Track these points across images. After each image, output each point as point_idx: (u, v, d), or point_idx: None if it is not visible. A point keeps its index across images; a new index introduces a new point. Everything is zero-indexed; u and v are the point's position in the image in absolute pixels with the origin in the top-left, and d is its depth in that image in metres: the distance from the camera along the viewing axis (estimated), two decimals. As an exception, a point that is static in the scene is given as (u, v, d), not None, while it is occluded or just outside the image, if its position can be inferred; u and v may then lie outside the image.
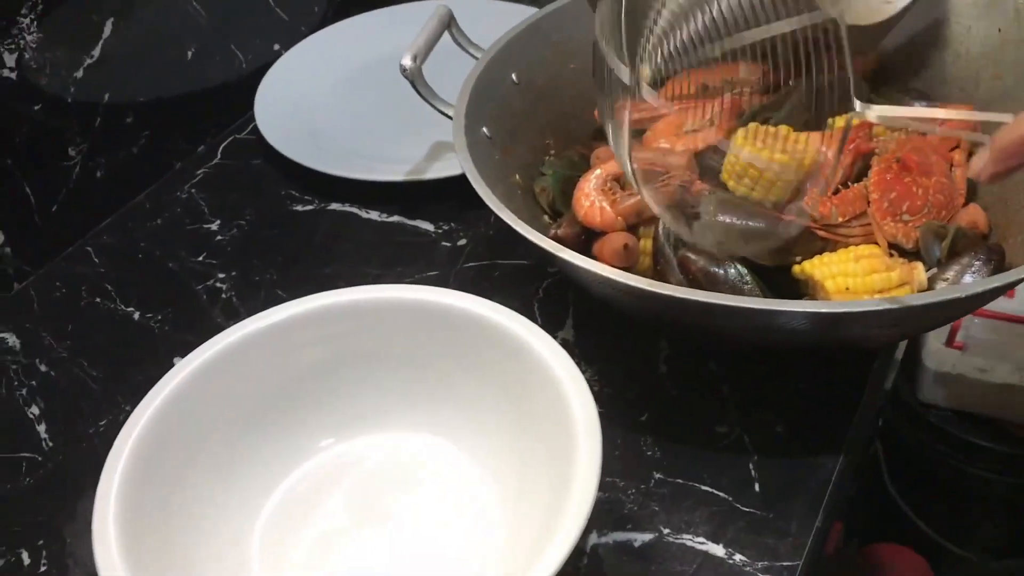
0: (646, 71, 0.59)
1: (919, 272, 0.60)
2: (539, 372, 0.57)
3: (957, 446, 1.27)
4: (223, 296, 0.77)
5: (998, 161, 0.47)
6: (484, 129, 0.72)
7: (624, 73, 0.57)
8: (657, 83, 0.61)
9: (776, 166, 0.62)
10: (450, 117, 0.71)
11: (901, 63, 0.78)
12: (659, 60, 0.58)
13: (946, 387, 1.26)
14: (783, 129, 0.63)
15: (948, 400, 1.27)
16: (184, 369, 0.58)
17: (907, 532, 1.29)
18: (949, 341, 1.21)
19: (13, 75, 0.74)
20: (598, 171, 0.69)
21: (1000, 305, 1.18)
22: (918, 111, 0.65)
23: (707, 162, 0.67)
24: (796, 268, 0.62)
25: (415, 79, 0.76)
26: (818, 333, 0.57)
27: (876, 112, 0.52)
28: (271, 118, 0.90)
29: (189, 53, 0.89)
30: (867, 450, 0.66)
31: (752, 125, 0.65)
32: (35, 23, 0.74)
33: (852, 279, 0.59)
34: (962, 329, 1.19)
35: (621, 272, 0.56)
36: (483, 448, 0.60)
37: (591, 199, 0.68)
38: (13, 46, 0.74)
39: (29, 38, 0.74)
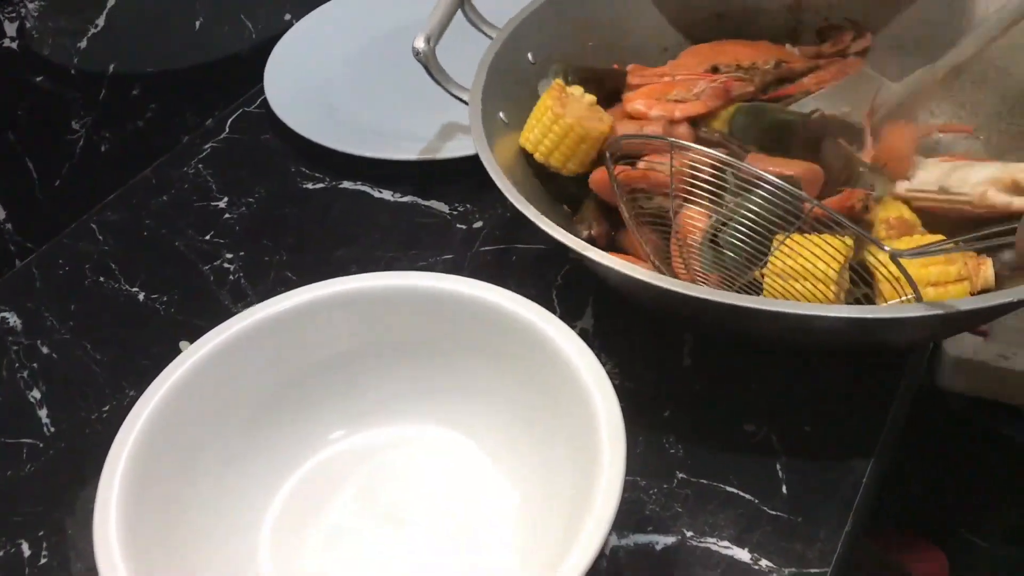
0: None
1: (986, 269, 0.57)
2: (559, 367, 0.55)
3: (975, 433, 1.26)
4: (231, 277, 0.74)
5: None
6: (501, 114, 0.69)
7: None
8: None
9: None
10: (466, 102, 0.68)
11: (928, 37, 0.75)
12: None
13: (966, 374, 1.24)
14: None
15: (967, 387, 1.25)
16: (192, 356, 0.56)
17: (922, 518, 1.28)
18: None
19: (15, 45, 0.72)
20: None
21: (1025, 292, 1.15)
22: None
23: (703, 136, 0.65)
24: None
25: (428, 63, 0.73)
26: (854, 336, 0.54)
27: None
28: (281, 92, 0.87)
29: (197, 22, 0.86)
30: (897, 451, 0.63)
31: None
32: (37, -10, 0.72)
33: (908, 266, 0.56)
34: (986, 316, 1.17)
35: (652, 274, 0.53)
36: (499, 443, 0.58)
37: None
38: (14, 14, 0.71)
39: (31, 6, 0.72)
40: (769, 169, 0.55)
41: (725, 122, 0.68)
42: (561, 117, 0.64)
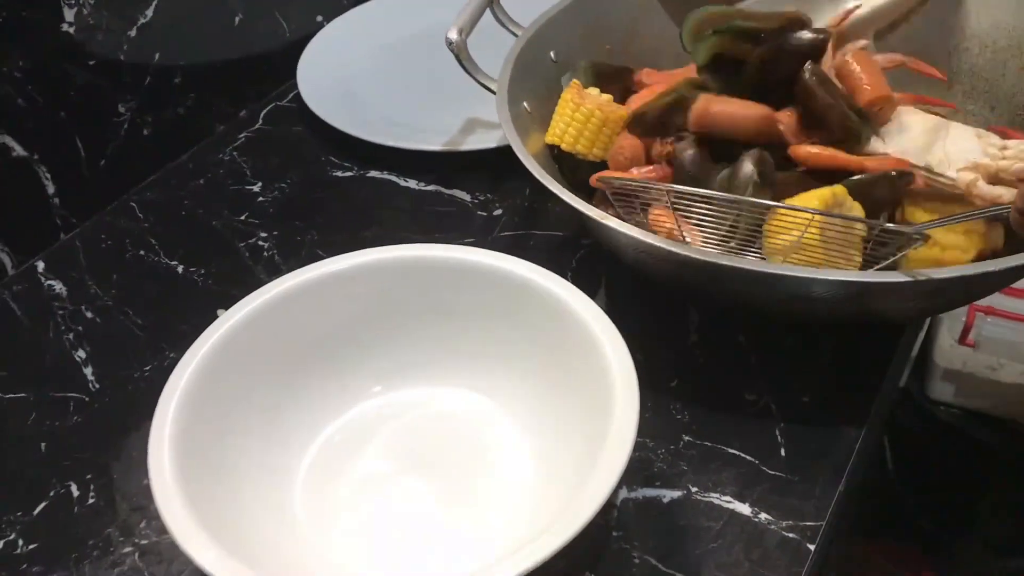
0: None
1: (997, 235, 0.62)
2: (578, 331, 0.59)
3: (964, 443, 1.29)
4: (265, 254, 0.79)
5: None
6: (525, 104, 0.74)
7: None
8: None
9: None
10: (493, 91, 0.73)
11: (924, 52, 0.80)
12: None
13: (956, 384, 1.28)
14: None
15: (957, 397, 1.29)
16: (235, 315, 0.60)
17: (910, 527, 1.31)
18: (961, 338, 1.23)
19: (71, 30, 0.76)
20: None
21: (1014, 304, 1.20)
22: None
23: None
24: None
25: (460, 53, 0.78)
26: (846, 302, 0.59)
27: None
28: (313, 86, 0.92)
29: (236, 19, 0.91)
30: (887, 421, 0.68)
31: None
32: (94, -20, 0.77)
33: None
34: (975, 327, 1.21)
35: (654, 236, 0.58)
36: (520, 404, 0.62)
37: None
38: (72, 2, 0.76)
39: (88, -5, 0.77)
40: (728, 112, 0.61)
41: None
42: (581, 105, 0.69)
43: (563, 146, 0.71)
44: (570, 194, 0.61)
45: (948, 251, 0.62)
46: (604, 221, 0.59)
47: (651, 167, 0.69)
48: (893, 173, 0.63)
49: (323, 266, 0.63)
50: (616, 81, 0.76)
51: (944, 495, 1.32)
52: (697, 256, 0.56)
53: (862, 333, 0.68)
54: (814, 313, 0.62)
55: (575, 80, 0.73)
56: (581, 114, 0.69)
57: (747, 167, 0.63)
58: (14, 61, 0.73)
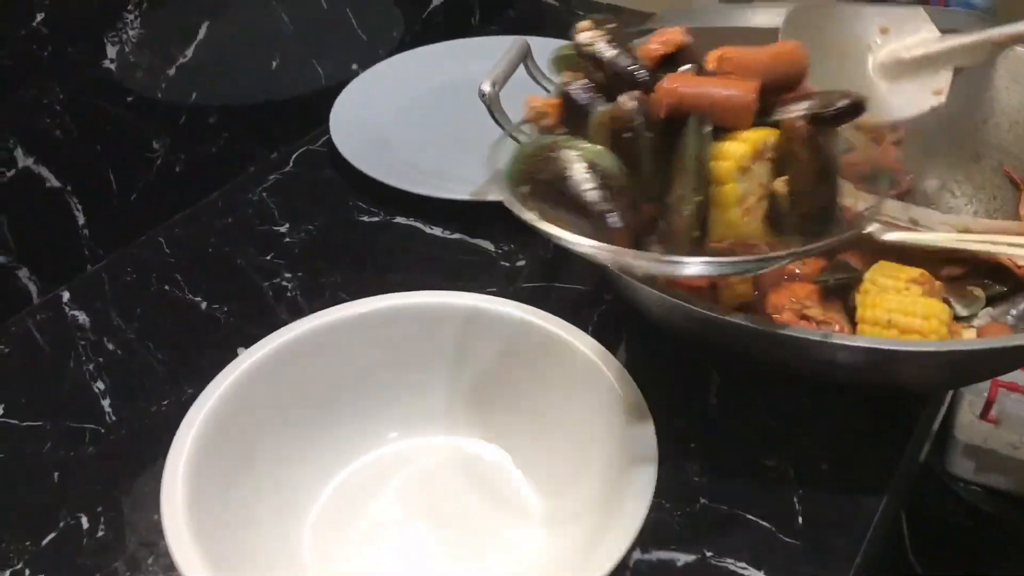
0: None
1: (970, 334, 0.62)
2: (598, 387, 0.59)
3: (984, 521, 1.27)
4: (288, 294, 0.79)
5: None
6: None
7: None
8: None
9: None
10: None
11: (952, 125, 0.81)
12: None
13: (976, 461, 1.27)
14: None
15: (977, 474, 1.27)
16: (255, 353, 0.60)
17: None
18: (983, 414, 1.21)
19: (113, 66, 0.78)
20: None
21: (1037, 382, 1.18)
22: (936, 237, 0.65)
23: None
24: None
25: (492, 105, 0.79)
26: (868, 370, 0.58)
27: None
28: (344, 132, 0.94)
29: (274, 63, 0.93)
30: (906, 496, 0.67)
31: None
32: (138, 19, 0.78)
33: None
34: (997, 403, 1.20)
35: (675, 292, 0.58)
36: (536, 457, 0.62)
37: None
38: (116, 39, 0.78)
39: (131, 33, 0.78)
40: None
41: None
42: None
43: None
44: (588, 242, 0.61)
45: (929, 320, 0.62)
46: (625, 276, 0.59)
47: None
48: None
49: (346, 309, 0.64)
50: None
51: (960, 571, 1.29)
52: (712, 314, 0.56)
53: (885, 404, 0.67)
54: (834, 377, 0.62)
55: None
56: None
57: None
58: (54, 94, 0.75)
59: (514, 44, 0.83)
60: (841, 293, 0.68)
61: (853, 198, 0.56)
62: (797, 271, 0.72)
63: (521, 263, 0.82)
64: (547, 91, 0.80)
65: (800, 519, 0.60)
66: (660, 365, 0.71)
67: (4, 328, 0.76)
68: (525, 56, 0.83)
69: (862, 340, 0.54)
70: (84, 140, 0.78)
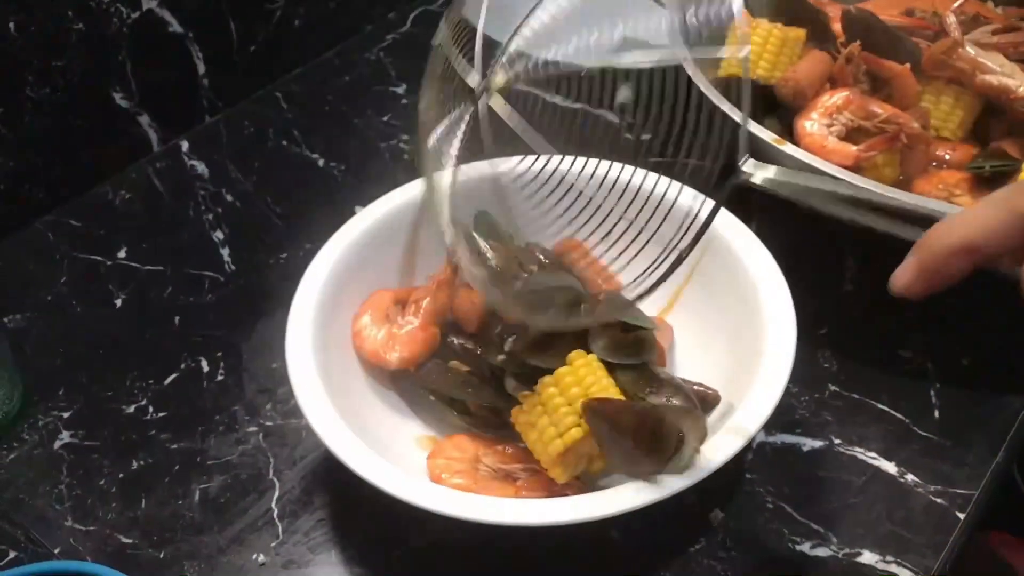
0: (500, 79, 0.55)
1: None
2: (732, 262, 0.57)
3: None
4: (405, 156, 0.77)
5: (924, 276, 0.38)
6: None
7: (472, 78, 0.53)
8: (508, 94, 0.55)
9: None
10: (662, 4, 0.70)
11: None
12: (518, 69, 0.54)
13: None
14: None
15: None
16: (376, 212, 0.60)
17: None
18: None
19: (236, -92, 0.76)
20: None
21: None
22: (821, 180, 0.54)
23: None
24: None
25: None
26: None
27: (762, 175, 0.46)
28: (465, -8, 0.90)
29: (396, -85, 0.89)
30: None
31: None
32: None
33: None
34: None
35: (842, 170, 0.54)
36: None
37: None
38: None
39: None
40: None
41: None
42: (758, 27, 0.66)
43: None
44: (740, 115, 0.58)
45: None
46: (780, 147, 0.56)
47: None
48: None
49: (464, 172, 0.61)
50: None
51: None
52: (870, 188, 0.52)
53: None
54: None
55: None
56: (759, 36, 0.65)
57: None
58: (179, -65, 0.73)
59: None
60: (995, 183, 0.63)
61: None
62: (947, 156, 0.67)
63: (647, 136, 0.78)
64: None
65: (936, 413, 0.57)
66: (792, 245, 0.67)
67: (125, 174, 0.77)
68: None
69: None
70: (207, -15, 0.76)
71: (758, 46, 0.66)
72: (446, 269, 0.58)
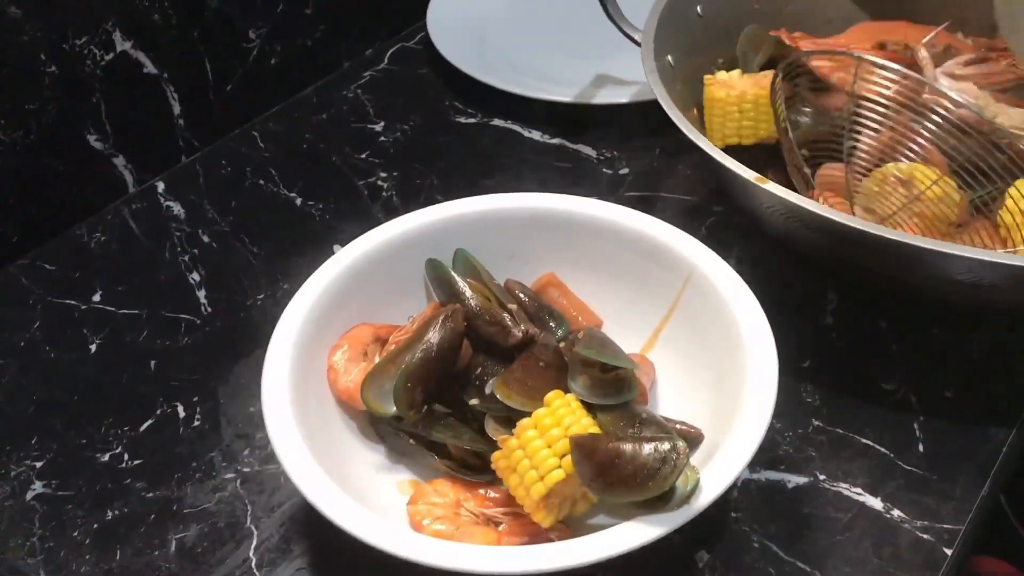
0: None
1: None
2: (713, 297, 0.56)
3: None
4: (384, 194, 0.77)
5: None
6: (669, 57, 0.70)
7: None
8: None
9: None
10: (637, 43, 0.70)
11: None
12: None
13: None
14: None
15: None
16: (355, 250, 0.59)
17: (1015, 547, 1.24)
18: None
19: (210, -51, 0.75)
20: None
21: None
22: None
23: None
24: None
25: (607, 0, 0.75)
26: (1015, 291, 0.54)
27: None
28: (442, 28, 0.90)
29: (372, -46, 0.90)
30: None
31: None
32: (238, -100, 0.75)
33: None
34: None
35: (814, 203, 0.54)
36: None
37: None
38: (215, -80, 0.75)
39: (231, -86, 0.75)
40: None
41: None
42: (731, 91, 0.66)
43: (742, 141, 0.69)
44: (719, 151, 0.58)
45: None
46: (760, 184, 0.55)
47: None
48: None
49: (444, 210, 0.61)
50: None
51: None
52: (861, 228, 0.52)
53: (1018, 332, 0.63)
54: (977, 300, 0.57)
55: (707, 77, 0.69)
56: (732, 104, 0.66)
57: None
58: (153, -23, 0.73)
59: None
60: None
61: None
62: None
63: (624, 171, 0.78)
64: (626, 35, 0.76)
65: (921, 446, 0.57)
66: (773, 280, 0.67)
67: (100, 216, 0.76)
68: None
69: (1014, 259, 0.50)
70: (182, 26, 0.76)
71: (735, 115, 0.67)
72: (427, 311, 0.58)
